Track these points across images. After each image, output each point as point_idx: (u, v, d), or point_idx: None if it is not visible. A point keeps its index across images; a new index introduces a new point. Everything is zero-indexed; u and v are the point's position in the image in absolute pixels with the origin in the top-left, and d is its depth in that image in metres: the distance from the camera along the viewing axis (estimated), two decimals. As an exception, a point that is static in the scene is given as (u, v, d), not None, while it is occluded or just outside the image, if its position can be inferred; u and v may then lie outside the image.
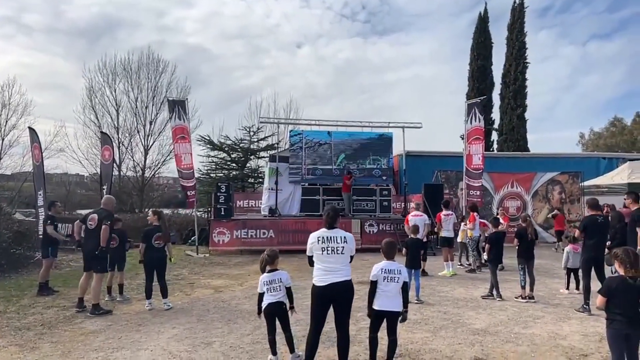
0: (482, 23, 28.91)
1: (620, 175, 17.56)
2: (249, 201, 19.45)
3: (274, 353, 4.66)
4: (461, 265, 11.22)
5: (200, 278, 9.81)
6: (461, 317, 6.47)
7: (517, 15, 27.60)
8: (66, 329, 5.91)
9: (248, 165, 26.17)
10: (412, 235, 7.95)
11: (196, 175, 17.05)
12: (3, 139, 26.84)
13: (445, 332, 5.73)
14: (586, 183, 17.68)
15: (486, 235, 10.44)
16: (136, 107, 28.64)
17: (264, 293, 4.66)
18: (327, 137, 16.21)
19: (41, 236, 8.69)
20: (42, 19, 62.43)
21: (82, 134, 28.20)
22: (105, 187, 14.26)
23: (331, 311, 4.35)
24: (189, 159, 14.27)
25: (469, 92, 28.48)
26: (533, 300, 7.40)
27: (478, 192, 14.23)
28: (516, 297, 7.57)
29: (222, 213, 14.19)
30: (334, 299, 4.25)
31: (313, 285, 4.31)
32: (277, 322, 4.69)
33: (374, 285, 4.50)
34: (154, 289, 7.13)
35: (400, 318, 4.53)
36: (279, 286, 4.64)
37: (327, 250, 4.23)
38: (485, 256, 7.83)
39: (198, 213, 17.96)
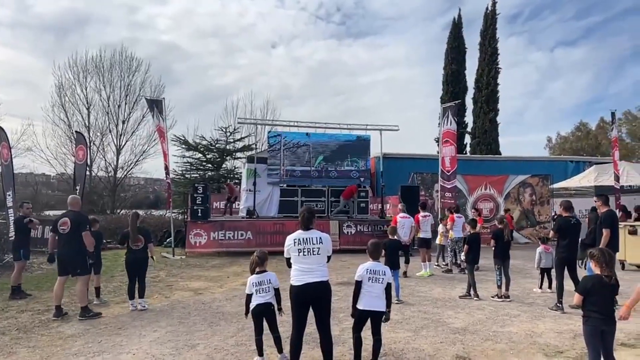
0: (456, 28, 29.53)
1: (587, 178, 18.25)
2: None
3: (261, 354, 4.67)
4: (438, 265, 11.44)
5: (179, 280, 9.68)
6: (441, 316, 6.62)
7: (490, 21, 28.30)
8: (43, 333, 5.75)
9: (224, 166, 25.97)
10: (391, 237, 8.08)
11: (171, 175, 16.82)
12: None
13: (427, 331, 5.85)
14: (555, 185, 18.28)
15: (462, 236, 10.71)
16: (108, 105, 28.06)
17: (252, 294, 4.67)
18: (306, 138, 16.26)
19: (12, 238, 8.39)
20: (7, 13, 60.17)
21: (51, 133, 27.37)
22: (78, 187, 13.90)
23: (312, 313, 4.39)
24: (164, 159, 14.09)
25: (443, 96, 29.02)
26: (509, 300, 7.63)
27: (451, 194, 14.55)
28: (492, 297, 7.78)
29: (199, 214, 14.03)
30: (311, 299, 4.29)
31: (290, 285, 4.36)
32: (264, 324, 4.71)
33: (358, 285, 4.57)
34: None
35: (383, 318, 4.61)
36: (268, 287, 4.67)
37: (304, 251, 4.28)
38: (462, 257, 8.03)
39: (173, 214, 17.68)
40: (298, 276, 4.28)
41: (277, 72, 73.60)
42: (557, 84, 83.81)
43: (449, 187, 14.65)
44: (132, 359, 4.85)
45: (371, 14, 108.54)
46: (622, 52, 75.29)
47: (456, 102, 15.50)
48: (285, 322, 5.52)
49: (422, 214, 10.52)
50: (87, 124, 27.45)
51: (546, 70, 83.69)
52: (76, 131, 18.48)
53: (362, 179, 16.57)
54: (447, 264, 11.37)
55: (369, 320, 4.57)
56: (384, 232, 15.26)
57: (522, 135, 76.78)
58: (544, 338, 5.60)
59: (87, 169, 26.80)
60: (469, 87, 29.30)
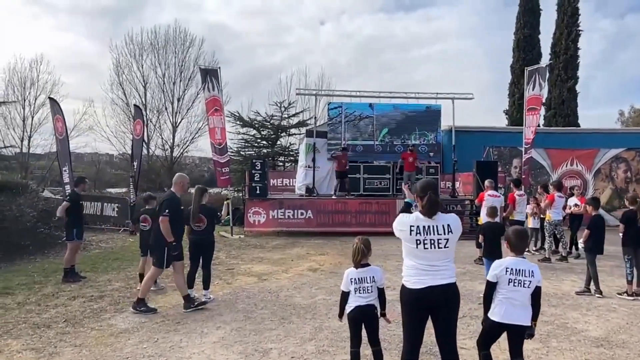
0: (530, -12, 26.61)
1: (696, 152, 15.79)
2: (283, 179, 18.44)
3: (357, 373, 3.58)
4: (528, 251, 9.92)
5: (240, 263, 8.84)
6: (566, 319, 5.27)
7: (570, -23, 25.21)
8: (93, 326, 4.99)
9: (278, 143, 25.16)
10: (490, 219, 6.74)
11: (229, 152, 16.08)
12: (33, 117, 26.66)
13: (558, 341, 4.55)
14: (656, 160, 15.95)
15: (562, 217, 9.16)
16: (164, 83, 27.97)
17: (348, 292, 3.59)
18: (369, 109, 14.91)
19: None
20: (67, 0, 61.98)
21: (110, 112, 27.66)
22: (135, 163, 13.48)
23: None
24: (220, 134, 13.22)
25: (514, 64, 26.46)
26: (642, 298, 6.14)
27: (519, 168, 13.00)
28: (620, 294, 6.31)
29: (258, 192, 13.20)
30: (434, 306, 3.14)
31: (403, 287, 3.21)
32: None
33: (491, 287, 3.37)
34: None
35: (526, 333, 3.38)
36: (371, 286, 3.56)
37: (425, 243, 3.10)
38: (581, 244, 6.58)
39: (230, 191, 17.09)
40: (416, 276, 3.12)
41: (325, 49, 70.91)
42: (627, 54, 75.57)
43: (524, 159, 13.04)
44: (193, 367, 3.94)
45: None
46: None
47: (546, 63, 13.58)
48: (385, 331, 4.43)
49: (517, 192, 8.94)
50: (143, 102, 27.50)
51: (615, 38, 75.36)
52: (134, 105, 18.08)
53: (431, 154, 15.08)
54: (537, 250, 9.88)
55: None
56: (458, 213, 13.90)
57: (588, 110, 69.98)
58: None
59: (145, 146, 27.10)
60: (543, 53, 26.51)
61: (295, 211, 13.30)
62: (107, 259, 9.01)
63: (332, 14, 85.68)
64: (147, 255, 6.69)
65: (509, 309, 3.28)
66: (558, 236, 9.10)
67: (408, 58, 75.74)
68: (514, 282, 3.27)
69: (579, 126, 24.68)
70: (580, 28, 25.38)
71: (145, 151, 27.45)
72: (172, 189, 5.83)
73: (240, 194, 18.54)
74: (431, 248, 3.08)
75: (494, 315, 3.34)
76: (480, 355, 3.46)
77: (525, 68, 13.19)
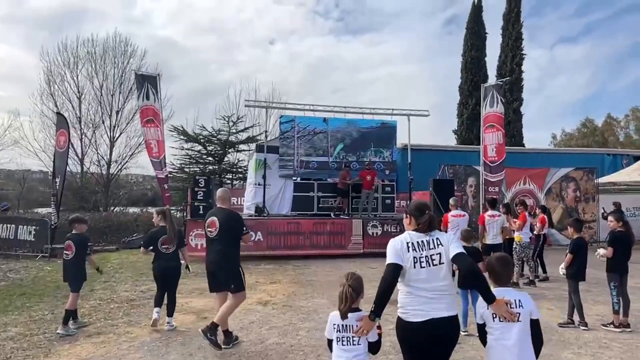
0: (476, 12, 27.39)
1: (638, 172, 16.27)
2: (230, 198, 17.16)
3: None
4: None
5: (177, 296, 7.56)
6: (560, 361, 4.54)
7: (514, 3, 26.19)
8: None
9: (226, 159, 23.87)
10: (465, 244, 5.99)
11: (169, 169, 14.60)
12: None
13: (563, 394, 3.77)
14: (602, 180, 16.26)
15: (530, 237, 8.66)
16: (101, 94, 25.78)
17: (332, 341, 2.74)
18: (323, 124, 14.12)
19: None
20: (1, 7, 57.61)
21: (39, 124, 25.07)
22: (57, 180, 11.79)
23: None
24: (158, 147, 11.80)
25: (462, 85, 27.04)
26: (629, 330, 5.56)
27: (497, 189, 12.57)
28: (605, 325, 5.71)
29: (201, 212, 11.91)
30: (433, 343, 2.65)
31: (400, 320, 2.75)
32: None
33: (482, 331, 2.69)
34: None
35: None
36: (358, 337, 2.65)
37: (421, 261, 2.71)
38: (562, 270, 5.97)
39: (171, 212, 15.59)
40: (416, 306, 2.67)
41: (276, 69, 70.43)
42: (557, 81, 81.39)
43: (493, 180, 12.63)
44: None
45: (370, 10, 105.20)
46: (621, 50, 73.66)
47: (502, 80, 13.44)
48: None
49: (489, 212, 8.23)
50: (78, 114, 25.25)
51: (547, 67, 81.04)
52: (57, 112, 16.12)
53: (387, 172, 14.47)
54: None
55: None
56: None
57: (524, 132, 74.40)
58: None
59: (79, 163, 24.83)
60: (490, 75, 27.26)
61: (243, 233, 12.14)
62: (10, 295, 7.42)
63: (282, 34, 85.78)
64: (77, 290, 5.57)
65: (502, 353, 2.53)
66: (525, 259, 8.56)
67: (357, 80, 76.87)
68: (500, 318, 2.55)
69: (524, 146, 25.35)
70: (523, 52, 26.36)
71: (78, 168, 25.23)
72: (223, 205, 5.21)
73: (182, 214, 17.10)
74: (427, 266, 2.70)
75: None
76: None
77: (482, 85, 12.94)
